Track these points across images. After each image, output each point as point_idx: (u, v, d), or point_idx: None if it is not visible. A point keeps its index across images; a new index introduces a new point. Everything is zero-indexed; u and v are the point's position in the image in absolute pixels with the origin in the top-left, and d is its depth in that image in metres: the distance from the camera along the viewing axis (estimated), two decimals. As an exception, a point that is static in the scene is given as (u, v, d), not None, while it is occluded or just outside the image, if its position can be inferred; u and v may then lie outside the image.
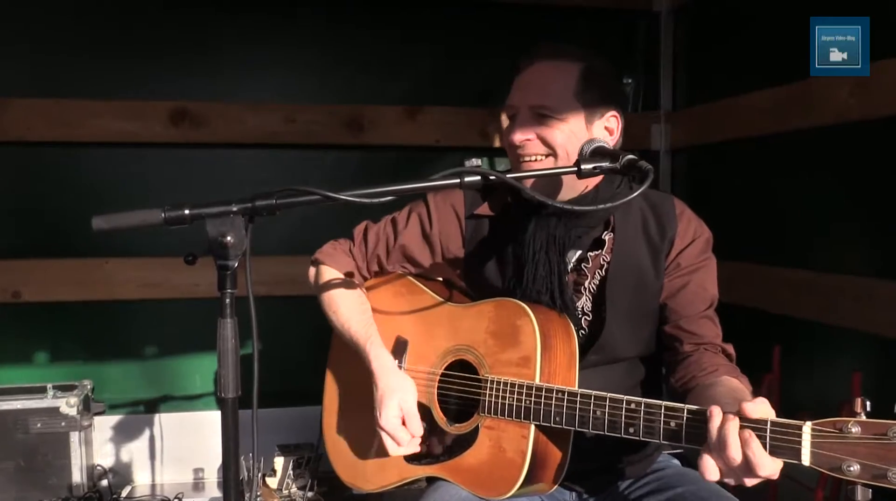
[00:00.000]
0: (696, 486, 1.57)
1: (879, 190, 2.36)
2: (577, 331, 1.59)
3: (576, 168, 1.42)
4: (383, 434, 1.63)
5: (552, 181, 1.57)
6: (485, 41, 3.25)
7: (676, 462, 1.73)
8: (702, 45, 3.28)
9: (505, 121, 1.65)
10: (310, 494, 2.77)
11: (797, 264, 2.64)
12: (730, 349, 1.61)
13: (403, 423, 1.62)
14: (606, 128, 1.60)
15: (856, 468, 1.11)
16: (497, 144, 3.15)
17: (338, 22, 3.15)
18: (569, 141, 1.55)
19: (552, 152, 1.56)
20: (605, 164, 1.43)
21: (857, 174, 2.45)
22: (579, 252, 1.64)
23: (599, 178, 1.57)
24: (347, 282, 1.79)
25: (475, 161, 1.35)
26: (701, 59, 3.28)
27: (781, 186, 2.77)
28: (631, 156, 1.43)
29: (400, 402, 1.62)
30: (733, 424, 1.19)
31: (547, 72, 1.57)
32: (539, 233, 1.59)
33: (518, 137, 1.56)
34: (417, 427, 1.63)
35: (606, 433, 1.39)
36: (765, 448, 1.18)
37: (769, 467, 1.18)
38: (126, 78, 3.00)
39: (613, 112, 1.60)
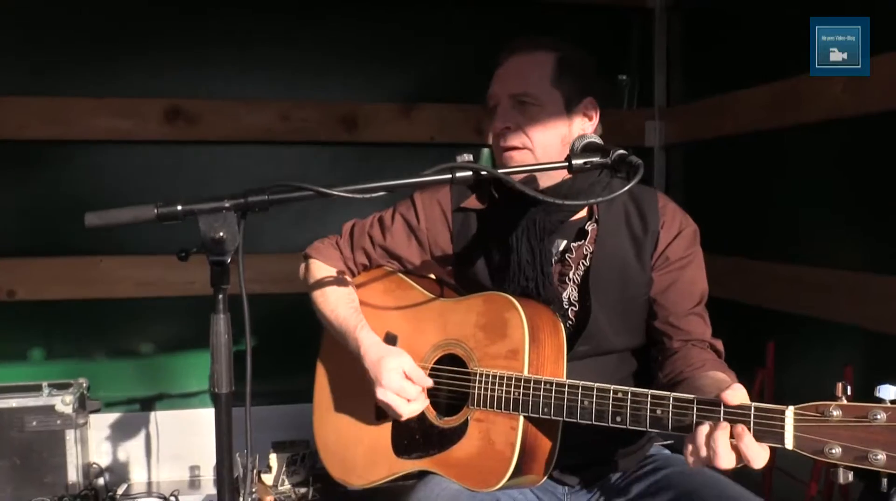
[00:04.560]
0: (684, 469, 1.58)
1: (873, 185, 2.37)
2: (565, 322, 1.60)
3: (566, 163, 1.44)
4: (389, 398, 1.58)
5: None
6: (479, 37, 3.24)
7: (668, 452, 1.74)
8: (696, 41, 3.29)
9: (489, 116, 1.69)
10: (304, 490, 2.77)
11: (791, 260, 2.65)
12: (718, 345, 1.63)
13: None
14: (585, 114, 1.66)
15: (837, 450, 1.14)
16: (491, 140, 3.15)
17: (332, 19, 3.15)
18: (546, 130, 1.60)
19: (529, 147, 1.60)
20: (596, 159, 1.45)
21: (851, 170, 2.46)
22: (564, 242, 1.66)
23: None
24: (336, 275, 1.80)
25: (466, 156, 1.36)
26: (695, 56, 3.29)
27: (776, 182, 2.78)
28: (622, 151, 1.45)
29: (398, 364, 1.61)
30: (722, 433, 1.21)
31: (524, 63, 1.63)
32: (520, 221, 1.62)
33: (499, 124, 1.62)
34: (424, 379, 1.62)
35: (594, 423, 1.40)
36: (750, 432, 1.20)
37: (761, 458, 1.21)
38: (120, 76, 3.00)
39: (590, 98, 1.65)
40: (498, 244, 1.66)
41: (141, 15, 3.01)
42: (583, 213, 1.67)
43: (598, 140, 1.55)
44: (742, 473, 1.26)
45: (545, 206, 1.58)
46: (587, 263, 1.64)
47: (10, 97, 2.88)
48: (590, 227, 1.65)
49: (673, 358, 1.59)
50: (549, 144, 1.60)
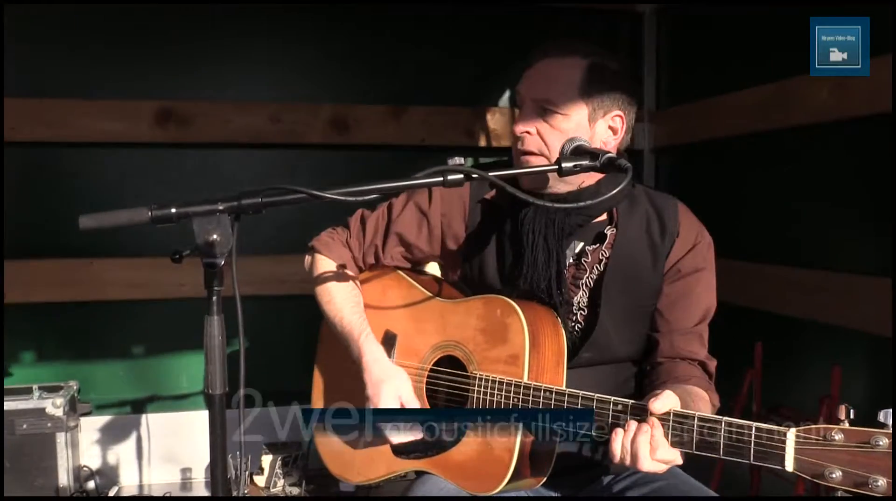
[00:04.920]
0: (676, 480, 1.59)
1: (861, 188, 2.39)
2: (573, 326, 1.61)
3: (556, 167, 1.45)
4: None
5: (543, 175, 1.58)
6: (468, 41, 3.27)
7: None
8: (684, 45, 3.31)
9: (510, 114, 1.68)
10: (297, 491, 2.78)
11: (780, 261, 2.67)
12: (711, 366, 1.63)
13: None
14: (610, 127, 1.62)
15: (837, 474, 1.14)
16: (482, 143, 3.16)
17: (323, 21, 3.16)
18: (565, 138, 1.56)
19: (545, 154, 1.58)
20: (585, 162, 1.46)
21: (838, 172, 2.48)
22: (581, 245, 1.65)
23: (601, 174, 1.58)
24: (342, 274, 1.79)
25: (458, 160, 1.37)
26: (684, 60, 3.32)
27: (764, 185, 2.81)
28: (611, 154, 1.46)
29: (396, 390, 1.61)
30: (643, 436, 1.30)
31: (554, 67, 1.59)
32: (538, 218, 1.60)
33: (520, 128, 1.60)
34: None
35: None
36: (750, 453, 1.22)
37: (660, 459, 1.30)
38: (111, 78, 3.00)
39: (618, 112, 1.61)
40: (513, 241, 1.65)
41: (131, 17, 3.01)
42: (603, 216, 1.66)
43: (587, 143, 1.55)
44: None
45: (567, 207, 1.56)
46: (601, 268, 1.63)
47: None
48: (609, 231, 1.64)
49: (659, 369, 1.60)
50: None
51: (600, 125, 1.60)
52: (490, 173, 1.38)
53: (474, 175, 1.35)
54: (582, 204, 1.48)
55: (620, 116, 1.62)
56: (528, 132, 1.59)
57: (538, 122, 1.58)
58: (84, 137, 2.96)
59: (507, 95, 3.28)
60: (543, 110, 1.57)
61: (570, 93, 1.57)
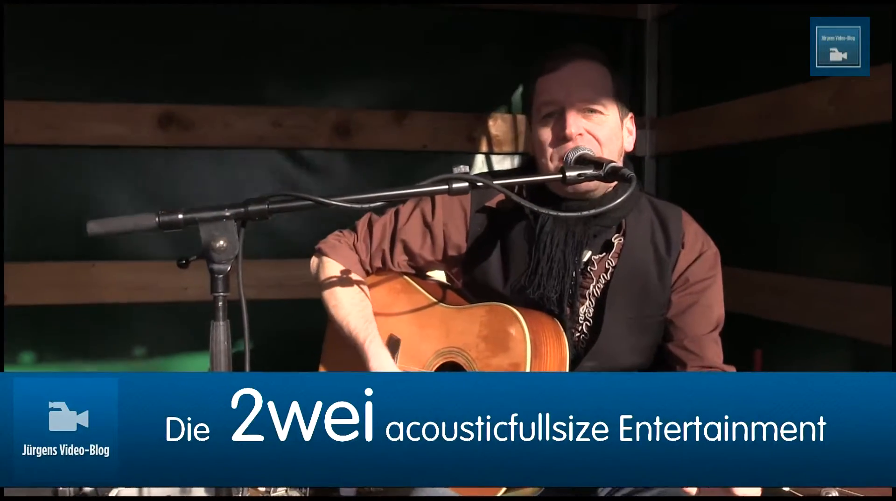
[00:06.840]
0: (678, 490, 1.59)
1: (859, 196, 2.40)
2: (578, 336, 1.61)
3: (560, 176, 1.45)
4: None
5: None
6: (471, 46, 3.27)
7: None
8: (686, 52, 3.32)
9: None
10: (296, 494, 2.78)
11: (778, 269, 2.68)
12: (732, 372, 1.63)
13: None
14: (628, 129, 1.68)
15: None
16: (484, 148, 3.17)
17: (324, 25, 3.17)
18: (612, 141, 1.60)
19: (600, 154, 1.58)
20: (589, 171, 1.46)
21: (838, 181, 2.49)
22: (588, 254, 1.65)
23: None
24: (349, 277, 1.78)
25: (463, 168, 1.38)
26: (685, 67, 3.33)
27: (763, 193, 2.81)
28: (614, 163, 1.47)
29: None
30: None
31: (589, 70, 1.62)
32: (558, 230, 1.60)
33: (573, 130, 1.57)
34: None
35: None
36: None
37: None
38: (113, 81, 3.00)
39: (631, 114, 1.69)
40: (522, 250, 1.65)
41: (134, 21, 3.01)
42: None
43: (590, 152, 1.56)
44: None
45: (585, 218, 1.58)
46: (608, 277, 1.64)
47: (4, 102, 2.87)
48: (616, 240, 1.65)
49: None
50: (613, 154, 1.60)
51: (624, 127, 1.67)
52: (495, 182, 1.38)
53: (479, 184, 1.35)
54: (590, 212, 1.48)
55: (632, 119, 1.69)
56: (580, 135, 1.58)
57: (586, 123, 1.60)
58: (86, 140, 2.96)
59: (509, 101, 3.30)
60: (590, 112, 1.59)
61: (608, 94, 1.62)
